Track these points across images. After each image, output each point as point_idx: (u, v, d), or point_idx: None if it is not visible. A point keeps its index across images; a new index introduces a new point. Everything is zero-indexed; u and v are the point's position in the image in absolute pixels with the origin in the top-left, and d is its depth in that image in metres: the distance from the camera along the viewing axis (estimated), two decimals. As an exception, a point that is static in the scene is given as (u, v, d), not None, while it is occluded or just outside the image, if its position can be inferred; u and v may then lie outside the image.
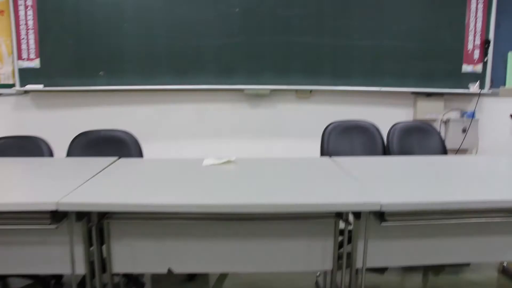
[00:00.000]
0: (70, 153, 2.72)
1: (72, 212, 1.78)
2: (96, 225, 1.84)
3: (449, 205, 1.77)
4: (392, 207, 1.72)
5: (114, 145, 2.76)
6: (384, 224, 1.82)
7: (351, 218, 1.87)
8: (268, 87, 4.03)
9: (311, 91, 4.19)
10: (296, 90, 4.18)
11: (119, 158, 2.56)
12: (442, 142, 3.28)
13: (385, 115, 4.29)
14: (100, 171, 2.25)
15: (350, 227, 1.90)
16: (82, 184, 1.98)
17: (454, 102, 4.36)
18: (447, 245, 1.97)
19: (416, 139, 3.29)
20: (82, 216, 1.79)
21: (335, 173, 2.21)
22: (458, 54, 4.14)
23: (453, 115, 4.38)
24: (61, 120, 4.06)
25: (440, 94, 4.28)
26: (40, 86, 3.88)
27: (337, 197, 1.77)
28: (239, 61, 3.97)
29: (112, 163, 2.44)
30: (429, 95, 4.28)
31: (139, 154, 2.76)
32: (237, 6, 3.89)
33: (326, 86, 4.09)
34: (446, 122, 4.36)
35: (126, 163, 2.44)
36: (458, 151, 4.33)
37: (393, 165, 2.43)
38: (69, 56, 3.86)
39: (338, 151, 3.21)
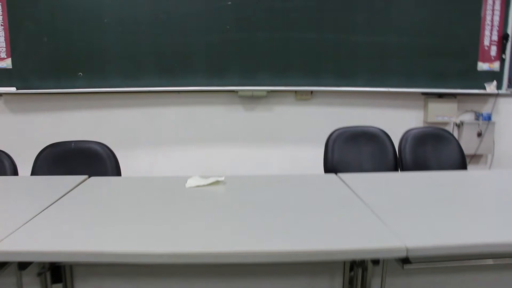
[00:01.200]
0: (36, 169, 2.35)
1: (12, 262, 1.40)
2: (48, 271, 1.46)
3: (488, 248, 1.40)
4: (421, 251, 1.35)
5: (87, 159, 2.39)
6: (407, 267, 1.46)
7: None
8: (265, 88, 3.70)
9: (312, 92, 3.86)
10: (296, 91, 3.84)
11: (89, 176, 2.18)
12: (461, 152, 2.91)
13: (393, 118, 3.95)
14: (62, 197, 1.87)
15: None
16: (32, 219, 1.60)
17: (469, 104, 4.00)
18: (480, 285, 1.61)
19: (432, 148, 2.93)
20: (27, 264, 1.41)
21: (344, 199, 1.84)
22: (473, 51, 3.78)
23: (467, 117, 4.03)
24: (37, 125, 3.71)
25: (453, 95, 3.93)
26: (12, 89, 3.53)
27: (350, 239, 1.40)
28: (232, 59, 3.63)
29: (79, 184, 2.07)
30: (441, 96, 3.93)
31: (115, 169, 2.39)
32: (230, -1, 3.52)
33: (328, 87, 3.75)
34: (460, 125, 4.00)
35: (95, 184, 2.07)
36: (473, 156, 3.96)
37: (411, 186, 2.06)
38: (44, 55, 3.51)
39: (344, 162, 2.86)
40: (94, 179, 2.16)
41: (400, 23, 3.69)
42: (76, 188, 2.01)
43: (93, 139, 3.67)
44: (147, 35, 3.52)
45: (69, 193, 1.93)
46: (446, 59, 3.78)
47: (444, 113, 3.94)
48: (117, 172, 2.39)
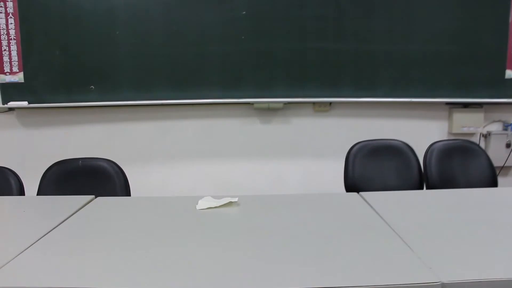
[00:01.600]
0: (42, 188, 2.26)
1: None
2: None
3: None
4: (457, 286, 1.19)
5: (95, 177, 2.30)
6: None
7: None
8: (281, 100, 3.56)
9: (330, 103, 3.71)
10: (314, 103, 3.69)
11: (96, 196, 2.07)
12: (491, 166, 2.73)
13: (416, 129, 3.78)
14: (65, 220, 1.77)
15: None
16: (23, 251, 1.48)
17: (496, 113, 3.80)
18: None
19: (459, 162, 2.76)
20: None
21: (369, 224, 1.69)
22: (501, 58, 3.59)
23: (495, 127, 3.83)
24: (49, 140, 3.65)
25: (479, 105, 3.74)
26: (24, 103, 3.46)
27: (379, 274, 1.25)
28: (248, 70, 3.50)
29: (84, 205, 1.96)
30: (466, 105, 3.74)
31: (124, 187, 2.28)
32: (244, 9, 3.40)
33: (347, 98, 3.59)
34: (487, 136, 3.81)
35: (101, 205, 1.96)
36: (502, 168, 3.76)
37: (440, 207, 1.90)
38: (56, 69, 3.44)
39: (366, 178, 2.71)
40: (100, 199, 2.05)
41: (422, 31, 3.52)
42: (81, 210, 1.90)
43: (105, 154, 3.59)
44: (160, 46, 3.42)
45: (72, 216, 1.82)
46: (471, 67, 3.59)
47: (470, 124, 3.75)
48: (126, 191, 2.28)
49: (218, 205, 1.84)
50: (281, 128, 3.70)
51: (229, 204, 1.87)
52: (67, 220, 1.77)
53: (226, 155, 3.72)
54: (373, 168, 2.74)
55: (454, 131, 3.73)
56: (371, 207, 1.88)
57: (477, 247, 1.43)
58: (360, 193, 2.10)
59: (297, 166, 3.75)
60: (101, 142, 3.64)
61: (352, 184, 2.70)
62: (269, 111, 3.67)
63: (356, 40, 3.51)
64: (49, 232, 1.63)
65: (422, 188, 2.72)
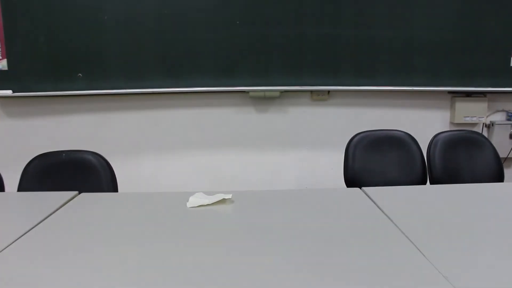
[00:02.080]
0: (23, 183, 2.11)
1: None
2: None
3: None
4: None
5: (79, 171, 2.15)
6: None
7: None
8: (278, 88, 3.42)
9: (329, 92, 3.56)
10: (311, 91, 3.55)
11: (80, 192, 1.93)
12: (497, 158, 2.61)
13: (417, 119, 3.66)
14: (45, 219, 1.63)
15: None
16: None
17: (500, 103, 3.68)
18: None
19: (464, 154, 2.63)
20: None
21: (374, 223, 1.57)
22: (506, 45, 3.46)
23: (498, 117, 3.71)
24: (35, 130, 3.48)
25: (482, 94, 3.61)
26: (8, 92, 3.29)
27: (389, 281, 1.12)
28: (242, 57, 3.35)
29: (67, 201, 1.82)
30: (469, 94, 3.62)
31: (110, 182, 2.14)
32: (239, -8, 3.24)
33: (346, 86, 3.45)
34: (490, 126, 3.69)
35: (85, 202, 1.82)
36: (505, 159, 3.64)
37: (448, 205, 1.77)
38: (41, 55, 3.27)
39: (367, 171, 2.58)
40: (84, 195, 1.91)
41: (424, 16, 3.38)
42: (63, 207, 1.77)
43: (93, 145, 3.50)
44: (150, 32, 3.26)
45: (54, 214, 1.68)
46: (474, 55, 3.46)
47: (472, 113, 3.62)
48: (113, 185, 2.14)
49: (210, 203, 1.71)
50: (278, 117, 3.57)
51: (222, 201, 1.74)
52: (48, 218, 1.63)
53: (219, 146, 3.58)
54: (374, 161, 2.61)
55: (457, 121, 3.60)
56: (375, 204, 1.76)
57: (491, 250, 1.30)
58: (363, 188, 1.98)
59: (294, 157, 3.63)
60: (89, 133, 3.50)
61: (352, 177, 2.57)
62: (265, 100, 3.53)
63: (356, 25, 3.36)
64: (27, 232, 1.50)
65: (425, 181, 2.60)
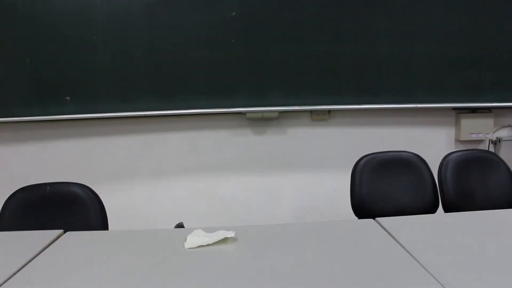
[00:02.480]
0: (3, 219, 1.92)
1: None
2: None
3: None
4: None
5: (65, 206, 1.96)
6: None
7: None
8: (276, 109, 3.27)
9: (329, 111, 3.42)
10: (311, 111, 3.41)
11: (65, 231, 1.75)
12: (511, 177, 2.45)
13: (421, 137, 3.52)
14: (27, 264, 1.44)
15: None
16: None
17: (506, 118, 3.56)
18: None
19: (477, 175, 2.49)
20: None
21: (394, 259, 1.40)
22: (510, 59, 3.34)
23: (505, 133, 3.58)
24: (21, 158, 3.30)
25: (488, 109, 3.48)
26: (-9, 117, 3.10)
27: None
28: (239, 77, 3.20)
29: (51, 242, 1.64)
30: (474, 110, 3.48)
31: (100, 216, 1.95)
32: (234, 10, 3.10)
33: (348, 105, 3.31)
34: (496, 142, 3.55)
35: (70, 242, 1.64)
36: (513, 179, 3.48)
37: (464, 232, 1.61)
38: (27, 78, 3.09)
39: (375, 196, 2.43)
40: (70, 235, 1.72)
41: (426, 31, 3.26)
42: (46, 249, 1.58)
43: (82, 172, 3.31)
44: (142, 52, 3.10)
45: (36, 258, 1.49)
46: (479, 69, 3.34)
47: (478, 130, 3.49)
48: (102, 221, 1.95)
49: (210, 242, 1.53)
50: (276, 139, 3.42)
51: (224, 240, 1.56)
52: (29, 263, 1.45)
53: (216, 170, 3.41)
54: (383, 185, 2.46)
55: (462, 138, 3.47)
56: (392, 237, 1.59)
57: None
58: (377, 219, 1.81)
59: (295, 180, 3.47)
60: (78, 160, 3.32)
61: (360, 203, 2.42)
62: (262, 121, 3.38)
63: (356, 42, 3.23)
64: (7, 280, 1.31)
65: (437, 206, 2.44)
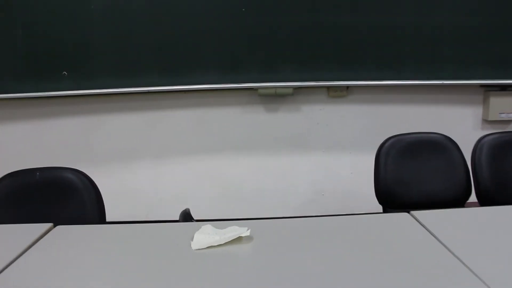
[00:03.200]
0: (-12, 209, 1.71)
1: None
2: None
3: None
4: None
5: (57, 194, 1.75)
6: None
7: None
8: (290, 84, 3.05)
9: (347, 87, 3.19)
10: (328, 87, 3.17)
11: (55, 225, 1.53)
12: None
13: (446, 116, 3.27)
14: (8, 266, 1.23)
15: None
16: None
17: (539, 96, 3.28)
18: None
19: (516, 160, 2.23)
20: None
21: (432, 258, 1.19)
22: (547, 31, 3.05)
23: (537, 113, 3.31)
24: (16, 137, 3.14)
25: (519, 86, 3.21)
26: (-17, 94, 2.91)
27: None
28: (250, 50, 2.98)
29: (39, 238, 1.43)
30: (504, 88, 3.21)
31: (96, 206, 1.75)
32: (245, -26, 2.84)
33: (367, 81, 3.07)
34: (527, 123, 3.29)
35: (60, 238, 1.43)
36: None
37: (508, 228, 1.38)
38: (20, 52, 2.89)
39: (402, 181, 2.23)
40: (61, 229, 1.51)
41: (454, 0, 2.97)
42: (33, 247, 1.37)
43: (82, 153, 3.11)
44: (144, 23, 2.88)
45: (21, 257, 1.29)
46: (510, 43, 3.05)
47: (508, 109, 3.23)
48: (99, 211, 1.74)
49: (222, 243, 1.30)
50: (290, 117, 3.20)
51: (238, 240, 1.33)
52: (13, 263, 1.25)
53: (225, 150, 3.22)
54: (411, 170, 2.24)
55: (491, 118, 3.21)
56: (432, 234, 1.38)
57: None
58: (412, 212, 1.58)
59: (309, 161, 3.26)
60: (75, 139, 3.15)
61: (385, 190, 2.21)
62: (275, 98, 3.17)
63: (378, 12, 2.97)
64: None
65: (470, 193, 2.22)
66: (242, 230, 1.37)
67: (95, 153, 3.15)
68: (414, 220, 1.51)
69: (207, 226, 1.42)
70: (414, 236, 1.37)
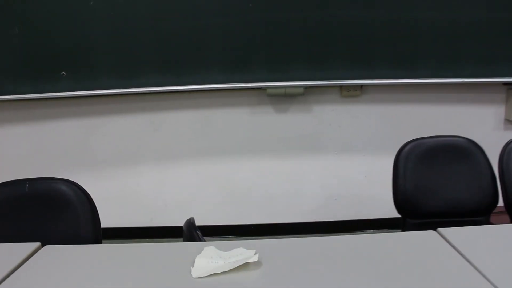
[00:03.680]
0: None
1: None
2: None
3: None
4: None
5: (48, 207, 1.60)
6: None
7: None
8: (301, 84, 2.91)
9: (361, 86, 3.04)
10: (341, 87, 3.03)
11: (43, 244, 1.39)
12: None
13: (466, 116, 3.10)
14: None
15: None
16: None
17: None
18: None
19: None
20: None
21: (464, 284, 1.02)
22: None
23: None
24: (10, 142, 3.03)
25: (544, 84, 3.04)
26: (-21, 96, 2.81)
27: None
28: (258, 47, 2.83)
29: (24, 260, 1.29)
30: (528, 86, 3.04)
31: (90, 222, 1.59)
32: (252, -33, 2.69)
33: (382, 80, 2.92)
34: (554, 123, 3.11)
35: (49, 259, 1.29)
36: None
37: None
38: (17, 51, 2.76)
39: (423, 190, 2.08)
40: (49, 249, 1.37)
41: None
42: (17, 270, 1.23)
43: (81, 156, 2.99)
44: (145, 20, 2.74)
45: (4, 282, 1.15)
46: (535, 38, 2.88)
47: (533, 108, 3.05)
48: (94, 227, 1.59)
49: (226, 270, 1.15)
50: (301, 118, 3.06)
51: (244, 265, 1.17)
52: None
53: (232, 153, 3.09)
54: (432, 177, 2.09)
55: (514, 117, 3.04)
56: (462, 255, 1.21)
57: None
58: (439, 229, 1.42)
59: (320, 164, 3.12)
60: (75, 142, 3.03)
61: (405, 199, 2.06)
62: (285, 98, 3.03)
63: (392, 6, 2.81)
64: None
65: (497, 202, 2.05)
66: (249, 254, 1.22)
67: (95, 156, 3.04)
68: (444, 241, 1.35)
69: (210, 248, 1.27)
70: (441, 256, 1.21)
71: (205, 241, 1.36)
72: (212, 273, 1.14)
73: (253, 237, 3.16)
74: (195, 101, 3.01)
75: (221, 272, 1.15)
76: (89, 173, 3.05)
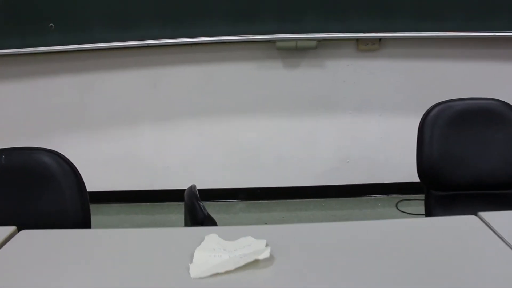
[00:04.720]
0: None
1: None
2: None
3: None
4: None
5: (28, 182, 1.42)
6: None
7: None
8: (314, 36, 2.79)
9: (380, 40, 2.89)
10: (357, 40, 2.88)
11: (19, 229, 1.22)
12: None
13: (499, 75, 2.93)
14: None
15: None
16: None
17: None
18: None
19: None
20: None
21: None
22: None
23: None
24: (2, 99, 2.92)
25: None
26: (-40, 50, 2.71)
27: None
28: (266, -4, 2.71)
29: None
30: None
31: (78, 199, 1.41)
32: None
33: (404, 33, 2.78)
34: None
35: (26, 247, 1.14)
36: None
37: None
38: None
39: (451, 158, 1.94)
40: (26, 234, 1.20)
41: None
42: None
43: (75, 115, 2.88)
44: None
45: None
46: None
47: None
48: (81, 206, 1.41)
49: (231, 268, 0.96)
50: (313, 74, 2.94)
51: (254, 263, 0.99)
52: None
53: (238, 112, 2.99)
54: (462, 144, 1.94)
55: (551, 77, 2.86)
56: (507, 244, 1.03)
57: None
58: (479, 214, 1.23)
59: (334, 124, 3.03)
60: (69, 101, 2.93)
61: (430, 169, 1.93)
62: (296, 52, 2.90)
63: None
64: None
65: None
66: (259, 247, 1.03)
67: (90, 116, 2.95)
68: (488, 229, 1.16)
69: (212, 237, 1.08)
70: (485, 246, 1.03)
71: (207, 213, 1.20)
72: (214, 272, 0.95)
73: (260, 200, 3.07)
74: (197, 56, 2.90)
75: (225, 272, 0.96)
76: (85, 135, 2.97)
